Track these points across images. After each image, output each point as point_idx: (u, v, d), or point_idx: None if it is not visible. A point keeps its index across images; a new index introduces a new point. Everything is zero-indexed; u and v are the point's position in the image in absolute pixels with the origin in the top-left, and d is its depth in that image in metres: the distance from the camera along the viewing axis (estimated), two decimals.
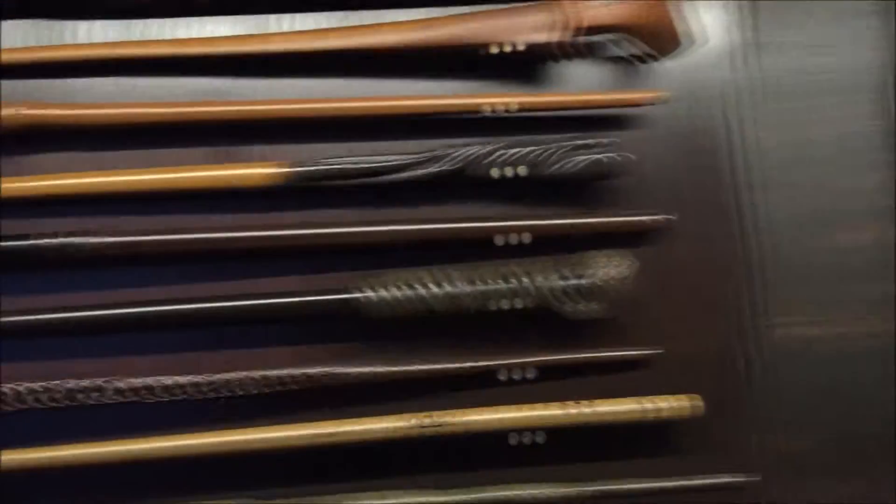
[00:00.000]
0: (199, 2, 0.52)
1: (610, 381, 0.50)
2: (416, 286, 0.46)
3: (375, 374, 0.46)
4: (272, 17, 0.53)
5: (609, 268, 0.48)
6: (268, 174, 0.48)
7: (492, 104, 0.48)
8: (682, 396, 0.49)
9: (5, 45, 0.50)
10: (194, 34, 0.52)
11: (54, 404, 0.45)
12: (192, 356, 0.49)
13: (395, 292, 0.45)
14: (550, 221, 0.51)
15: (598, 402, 0.48)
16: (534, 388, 0.50)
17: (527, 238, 0.50)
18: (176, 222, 0.49)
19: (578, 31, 0.50)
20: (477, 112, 0.49)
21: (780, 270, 0.53)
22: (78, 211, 0.49)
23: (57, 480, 0.47)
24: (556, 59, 0.50)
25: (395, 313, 0.46)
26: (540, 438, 0.48)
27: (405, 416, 0.45)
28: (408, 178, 0.48)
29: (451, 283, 0.46)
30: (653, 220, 0.51)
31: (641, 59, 0.53)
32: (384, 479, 0.48)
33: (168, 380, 0.45)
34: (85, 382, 0.45)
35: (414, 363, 0.47)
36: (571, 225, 0.50)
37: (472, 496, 0.46)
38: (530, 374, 0.49)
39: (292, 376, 0.46)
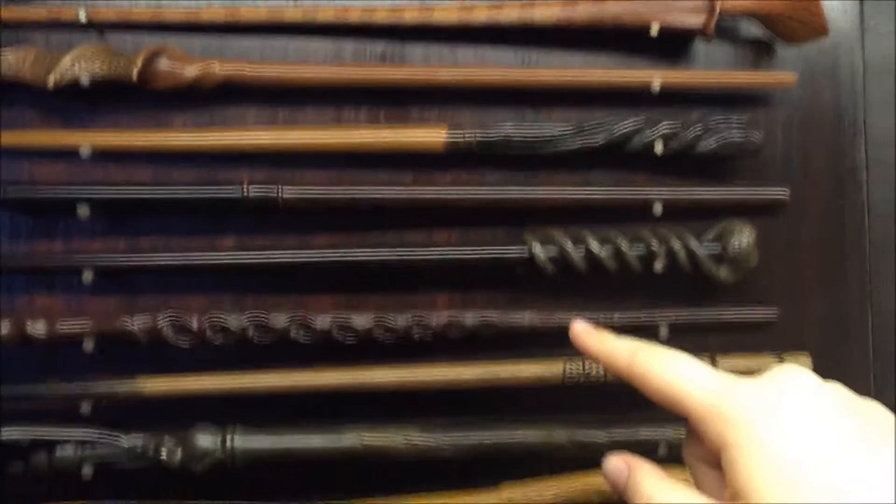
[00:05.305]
0: None
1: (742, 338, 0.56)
2: (583, 243, 0.50)
3: (541, 322, 0.51)
4: None
5: (743, 235, 0.52)
6: (442, 140, 0.52)
7: (661, 80, 0.52)
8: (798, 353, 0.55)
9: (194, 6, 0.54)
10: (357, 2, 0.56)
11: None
12: (361, 298, 0.54)
13: (565, 247, 0.50)
14: (687, 193, 0.55)
15: (731, 356, 0.53)
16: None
17: (658, 209, 0.54)
18: (356, 177, 0.54)
19: (722, 14, 0.54)
20: (646, 87, 0.52)
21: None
22: (265, 162, 0.53)
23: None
24: (705, 38, 0.54)
25: (561, 266, 0.51)
26: None
27: (574, 359, 0.50)
28: (565, 150, 0.52)
29: (614, 242, 0.50)
30: (775, 194, 0.56)
31: (772, 44, 0.58)
32: (548, 416, 0.53)
33: (359, 319, 0.50)
34: (283, 318, 0.49)
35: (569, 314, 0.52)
36: (708, 198, 0.55)
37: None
38: (664, 330, 0.54)
39: (459, 321, 0.51)
